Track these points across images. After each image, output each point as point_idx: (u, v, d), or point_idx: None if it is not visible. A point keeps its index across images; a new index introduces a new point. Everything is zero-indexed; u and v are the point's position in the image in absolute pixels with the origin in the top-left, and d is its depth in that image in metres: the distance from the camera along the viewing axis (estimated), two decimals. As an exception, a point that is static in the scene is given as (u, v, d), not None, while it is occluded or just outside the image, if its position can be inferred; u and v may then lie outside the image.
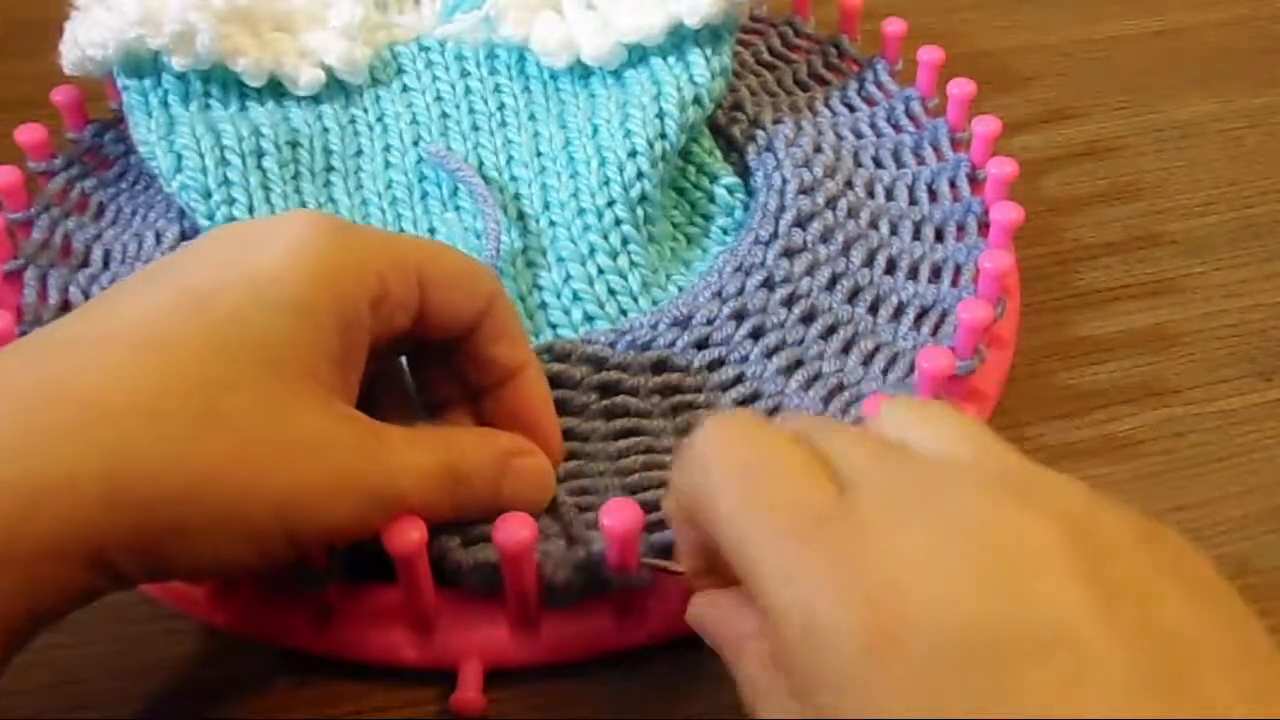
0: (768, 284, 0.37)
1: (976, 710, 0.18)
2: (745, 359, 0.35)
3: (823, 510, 0.21)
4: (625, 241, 0.38)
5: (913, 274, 0.38)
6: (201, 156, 0.38)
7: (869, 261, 0.38)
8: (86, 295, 0.37)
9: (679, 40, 0.40)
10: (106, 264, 0.39)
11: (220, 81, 0.40)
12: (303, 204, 0.39)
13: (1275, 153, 0.45)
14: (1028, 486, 0.20)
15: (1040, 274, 0.41)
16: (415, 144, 0.41)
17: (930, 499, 0.20)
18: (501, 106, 0.41)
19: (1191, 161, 0.45)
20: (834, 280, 0.37)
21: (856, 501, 0.20)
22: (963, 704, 0.18)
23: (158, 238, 0.39)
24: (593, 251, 0.38)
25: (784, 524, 0.21)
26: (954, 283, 0.37)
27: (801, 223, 0.38)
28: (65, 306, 0.37)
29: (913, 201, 0.40)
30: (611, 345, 0.35)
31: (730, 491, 0.22)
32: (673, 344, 0.35)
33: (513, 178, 0.40)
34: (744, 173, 0.41)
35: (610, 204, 0.38)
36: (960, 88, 0.42)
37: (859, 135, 0.43)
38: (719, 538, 0.22)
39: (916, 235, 0.39)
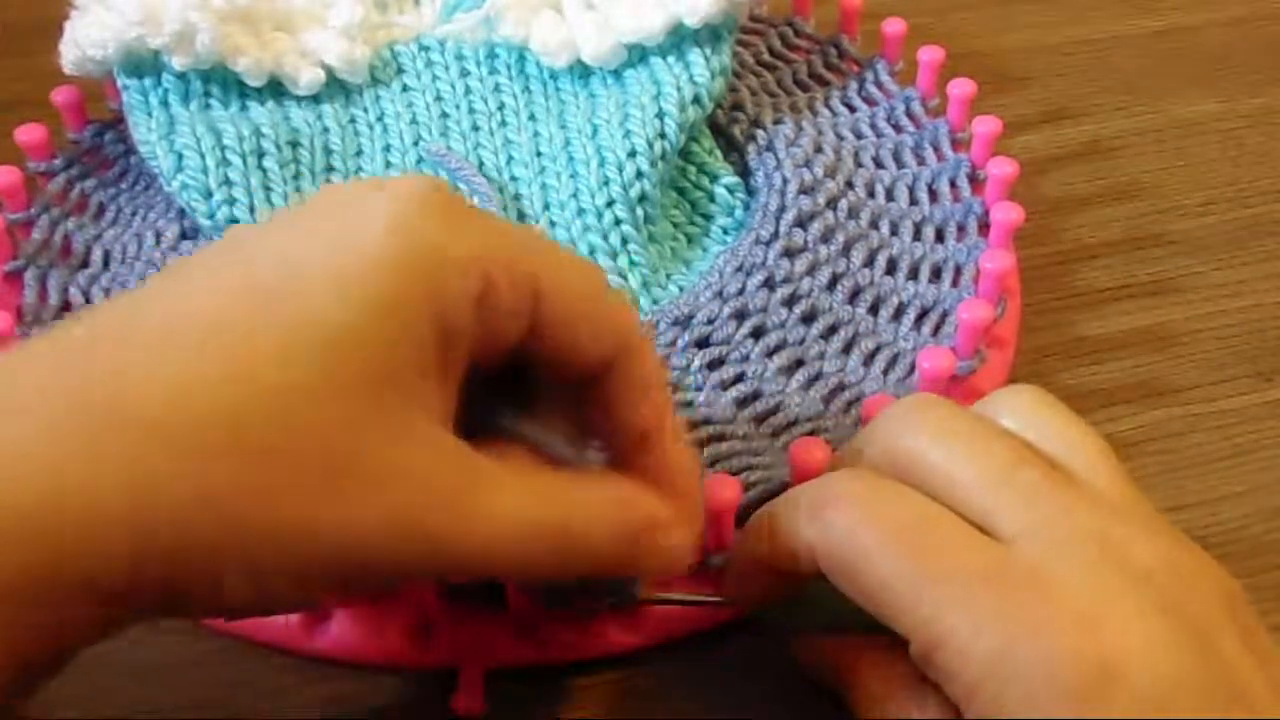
0: (768, 284, 0.37)
1: None
2: (746, 358, 0.35)
3: (995, 557, 0.21)
4: (625, 241, 0.38)
5: (913, 274, 0.38)
6: (202, 156, 0.38)
7: (869, 262, 0.38)
8: (86, 295, 0.37)
9: (679, 40, 0.40)
10: (107, 264, 0.39)
11: (220, 81, 0.40)
12: (303, 204, 0.39)
13: (1275, 153, 0.45)
14: (1185, 544, 0.22)
15: (1040, 274, 0.41)
16: (415, 144, 0.41)
17: (1106, 549, 0.21)
18: (501, 106, 0.41)
19: (1191, 161, 0.45)
20: (835, 280, 0.37)
21: (1022, 547, 0.21)
22: None
23: (158, 237, 0.39)
24: (593, 251, 0.38)
25: (958, 575, 0.21)
26: (954, 283, 0.37)
27: (802, 222, 0.38)
28: (65, 307, 0.37)
29: (913, 202, 0.40)
30: (612, 345, 0.35)
31: (888, 551, 0.22)
32: (673, 343, 0.36)
33: (513, 178, 0.40)
34: (744, 173, 0.41)
35: (610, 204, 0.38)
36: (960, 88, 0.42)
37: (859, 135, 0.43)
38: (875, 598, 0.22)
39: (917, 235, 0.39)
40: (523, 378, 0.24)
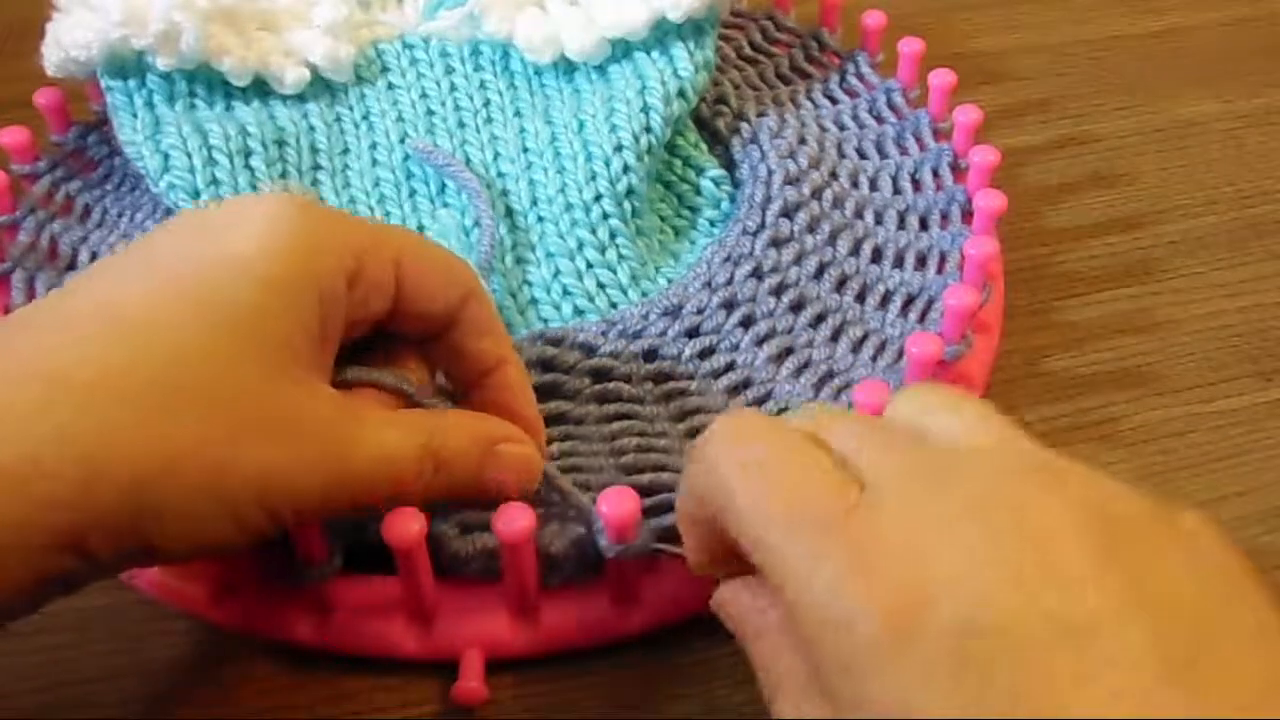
0: (756, 274, 0.37)
1: (1005, 697, 0.18)
2: (736, 347, 0.36)
3: (839, 500, 0.21)
4: (613, 235, 0.38)
5: (898, 262, 0.38)
6: (189, 156, 0.38)
7: (855, 250, 0.38)
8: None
9: (662, 34, 0.40)
10: (94, 266, 0.39)
11: (205, 81, 0.40)
12: (291, 202, 0.39)
13: (1275, 153, 0.45)
14: (1046, 469, 0.21)
15: (1040, 273, 0.41)
16: (401, 141, 0.41)
17: (947, 482, 0.20)
18: (487, 103, 0.41)
19: (1191, 161, 0.45)
20: (821, 269, 0.38)
21: (874, 491, 0.21)
22: (988, 691, 0.18)
23: (145, 238, 0.39)
24: (581, 246, 0.38)
25: (802, 515, 0.21)
26: (939, 270, 0.38)
27: (788, 213, 0.38)
28: (53, 309, 0.37)
29: (896, 191, 0.41)
30: (603, 335, 0.35)
31: (744, 487, 0.22)
32: (663, 333, 0.36)
33: (499, 174, 0.40)
34: (729, 165, 0.41)
35: (597, 198, 0.38)
36: (940, 78, 0.42)
37: (842, 127, 0.43)
38: (735, 533, 0.22)
39: (901, 224, 0.40)
40: (370, 348, 0.29)
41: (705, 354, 0.36)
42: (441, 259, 0.29)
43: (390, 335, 0.29)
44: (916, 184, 0.41)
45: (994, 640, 0.18)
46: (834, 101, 0.44)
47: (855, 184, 0.41)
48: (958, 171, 0.41)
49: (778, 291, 0.37)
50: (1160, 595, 0.19)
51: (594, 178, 0.39)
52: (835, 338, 0.36)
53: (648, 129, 0.39)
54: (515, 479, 0.29)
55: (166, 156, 0.38)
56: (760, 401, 0.35)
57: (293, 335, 0.25)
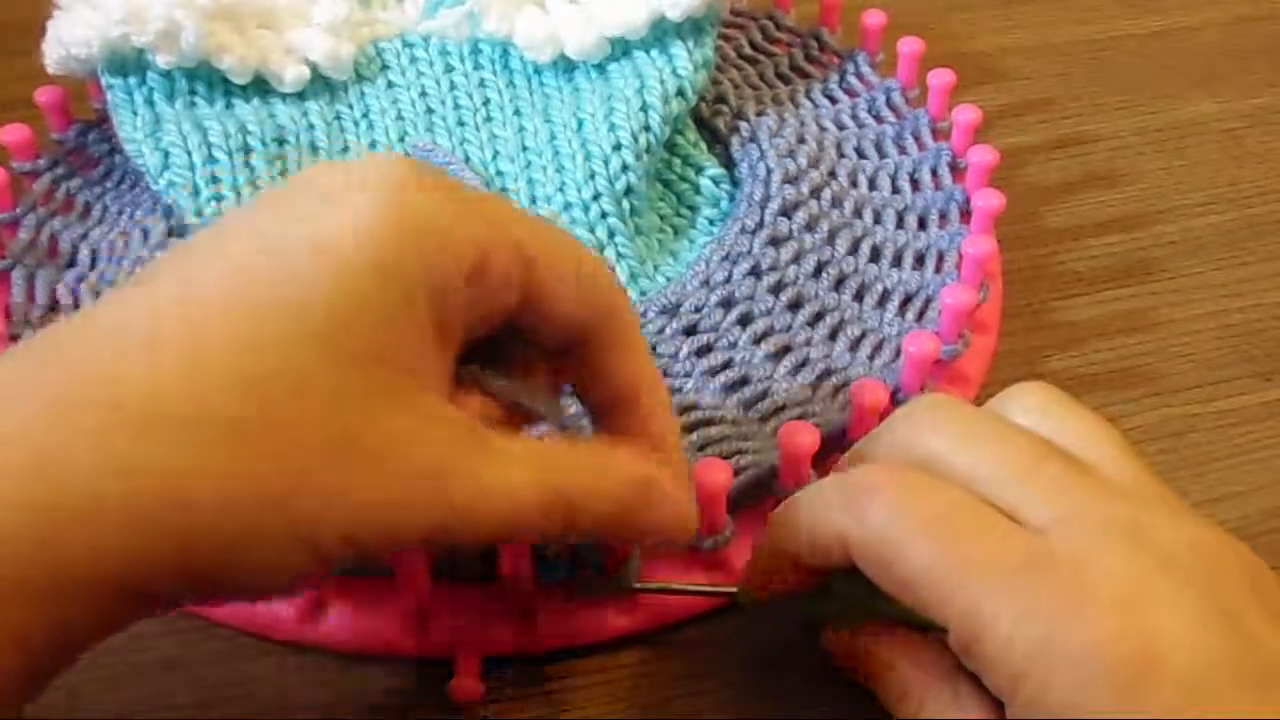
0: (755, 272, 0.37)
1: None
2: (733, 345, 0.36)
3: (1030, 545, 0.21)
4: (612, 234, 0.38)
5: (896, 261, 0.38)
6: (189, 154, 0.38)
7: (854, 249, 0.38)
8: (74, 295, 0.37)
9: (661, 33, 0.40)
10: (94, 263, 0.39)
11: (205, 79, 0.40)
12: (290, 200, 0.39)
13: (1275, 153, 0.45)
14: (1185, 517, 0.23)
15: (1039, 272, 0.41)
16: (401, 140, 0.41)
17: (1129, 531, 0.21)
18: (486, 102, 0.41)
19: (1191, 161, 0.45)
20: (820, 268, 0.38)
21: (1057, 536, 0.21)
22: None
23: (145, 235, 0.39)
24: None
25: (998, 564, 0.21)
26: (937, 269, 0.38)
27: (787, 211, 0.38)
28: (53, 306, 0.37)
29: (895, 190, 0.41)
30: (602, 334, 0.36)
31: (926, 542, 0.22)
32: (661, 331, 0.36)
33: (499, 172, 0.40)
34: (728, 164, 0.41)
35: (596, 197, 0.38)
36: (940, 78, 0.42)
37: (841, 126, 0.43)
38: (911, 588, 0.22)
39: (900, 223, 0.40)
40: (498, 341, 0.24)
41: (703, 352, 0.36)
42: (579, 255, 0.24)
43: (517, 337, 0.24)
44: (915, 183, 0.41)
45: (1217, 696, 0.20)
46: (833, 101, 0.44)
47: (854, 183, 0.41)
48: (956, 171, 0.41)
49: (776, 290, 0.37)
50: None
51: (593, 176, 0.39)
52: (833, 336, 0.36)
53: (646, 128, 0.39)
54: (664, 535, 0.25)
55: (166, 154, 0.38)
56: (757, 399, 0.35)
57: (400, 339, 0.21)
